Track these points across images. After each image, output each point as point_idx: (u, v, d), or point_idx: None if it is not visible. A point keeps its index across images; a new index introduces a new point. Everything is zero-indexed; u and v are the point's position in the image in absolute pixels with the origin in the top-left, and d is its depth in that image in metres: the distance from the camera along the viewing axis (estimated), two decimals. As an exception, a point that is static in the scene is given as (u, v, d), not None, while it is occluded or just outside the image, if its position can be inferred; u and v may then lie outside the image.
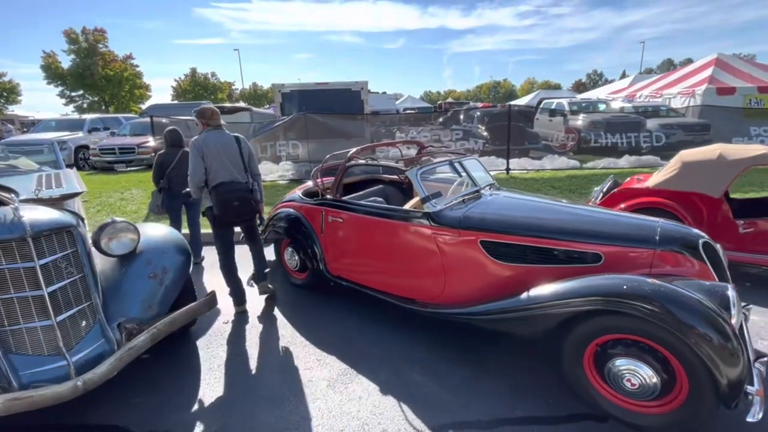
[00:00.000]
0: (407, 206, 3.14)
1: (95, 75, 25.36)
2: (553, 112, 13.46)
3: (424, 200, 2.83)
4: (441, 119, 14.17)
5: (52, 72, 25.80)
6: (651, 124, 11.72)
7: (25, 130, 20.47)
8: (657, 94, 16.24)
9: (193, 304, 2.62)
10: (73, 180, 3.01)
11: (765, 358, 2.01)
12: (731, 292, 1.96)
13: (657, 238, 2.30)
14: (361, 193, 4.12)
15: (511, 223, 2.61)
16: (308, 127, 9.02)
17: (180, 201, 4.30)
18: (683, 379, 1.90)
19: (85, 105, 27.83)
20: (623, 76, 25.16)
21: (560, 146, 11.26)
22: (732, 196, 4.49)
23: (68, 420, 2.25)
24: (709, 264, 2.23)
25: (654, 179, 4.27)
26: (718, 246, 2.58)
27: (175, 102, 20.86)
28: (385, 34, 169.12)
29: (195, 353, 2.89)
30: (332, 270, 3.48)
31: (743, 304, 2.55)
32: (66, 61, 25.62)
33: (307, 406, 2.32)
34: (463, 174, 3.28)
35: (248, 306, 3.50)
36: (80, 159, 12.11)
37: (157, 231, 2.94)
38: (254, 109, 12.55)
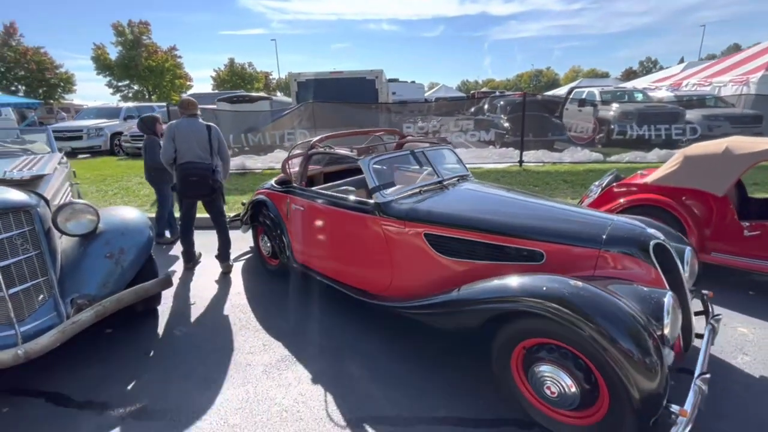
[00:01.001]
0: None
1: (139, 66, 26.92)
2: (582, 102, 12.70)
3: (373, 190, 2.76)
4: (473, 108, 13.69)
5: (101, 63, 27.66)
6: (693, 114, 10.79)
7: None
8: (706, 82, 14.89)
9: (143, 284, 2.73)
10: (47, 164, 3.20)
11: (707, 376, 1.80)
12: (668, 300, 1.76)
13: (604, 237, 2.11)
14: (339, 182, 4.10)
15: (455, 217, 2.49)
16: (317, 115, 9.05)
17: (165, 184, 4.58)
18: (604, 392, 1.75)
19: (130, 94, 29.72)
20: (681, 63, 23.16)
21: (581, 138, 10.60)
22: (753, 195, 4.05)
23: (18, 384, 2.42)
24: (658, 267, 2.02)
25: (654, 174, 3.92)
26: (683, 249, 2.35)
27: (209, 92, 21.68)
28: (423, 22, 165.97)
29: (154, 332, 3.02)
30: (297, 258, 3.50)
31: (716, 314, 2.32)
32: (114, 53, 27.42)
33: (235, 389, 2.37)
34: (428, 165, 3.15)
35: (217, 291, 3.62)
36: (115, 145, 12.91)
37: (121, 213, 3.08)
38: (274, 98, 12.77)
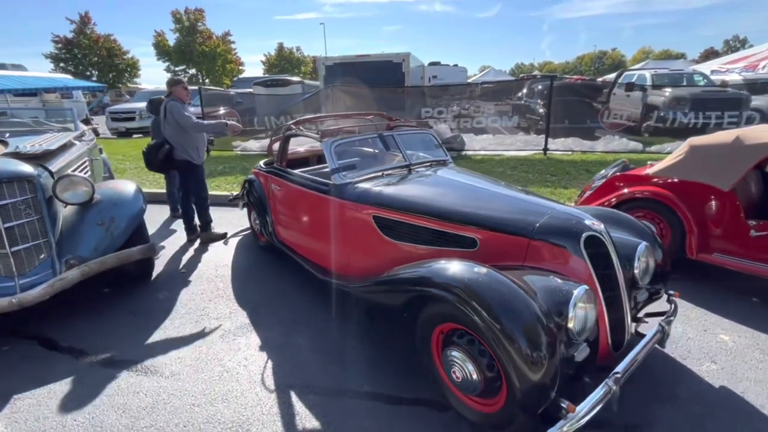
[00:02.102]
0: None
1: (193, 51, 28.58)
2: (630, 86, 11.68)
3: (332, 172, 2.83)
4: (523, 91, 12.96)
5: (161, 49, 29.72)
6: (762, 100, 9.61)
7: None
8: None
9: (126, 250, 3.04)
10: (58, 142, 3.61)
11: (617, 375, 1.71)
12: (577, 293, 1.68)
13: (536, 227, 2.03)
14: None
15: (402, 201, 2.50)
16: (338, 99, 9.15)
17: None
18: (503, 380, 1.73)
19: (185, 78, 31.74)
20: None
21: (616, 125, 9.77)
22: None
23: (19, 328, 2.83)
24: (587, 260, 1.91)
25: (658, 165, 3.62)
26: (636, 244, 2.20)
27: (255, 76, 22.43)
28: (478, 1, 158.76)
29: (142, 293, 3.36)
30: (278, 235, 3.68)
31: (668, 314, 2.17)
32: (172, 40, 29.30)
33: (192, 349, 2.60)
34: (397, 149, 3.15)
35: (207, 262, 3.92)
36: (164, 125, 13.93)
37: (116, 186, 3.42)
38: (306, 81, 13.04)
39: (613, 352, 1.93)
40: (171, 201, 5.30)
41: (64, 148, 3.70)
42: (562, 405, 1.58)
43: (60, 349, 2.63)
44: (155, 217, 5.30)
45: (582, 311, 1.72)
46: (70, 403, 2.16)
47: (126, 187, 3.46)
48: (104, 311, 3.08)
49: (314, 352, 2.55)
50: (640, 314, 2.28)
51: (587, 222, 2.01)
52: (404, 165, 3.05)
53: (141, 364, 2.46)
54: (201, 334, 2.76)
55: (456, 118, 8.79)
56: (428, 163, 3.24)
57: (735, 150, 3.11)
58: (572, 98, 10.81)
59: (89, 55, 29.71)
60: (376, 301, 2.35)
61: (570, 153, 8.50)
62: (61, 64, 28.89)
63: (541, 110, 11.07)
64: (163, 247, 4.32)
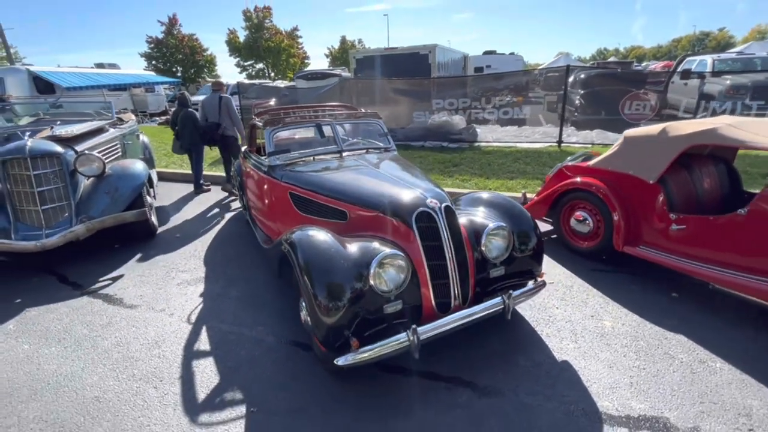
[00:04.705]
0: None
1: (260, 47, 30.88)
2: (686, 74, 10.57)
3: (269, 155, 3.36)
4: (568, 81, 12.19)
5: (233, 46, 32.55)
6: None
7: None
8: None
9: (121, 213, 3.89)
10: (91, 127, 4.60)
11: (414, 326, 2.02)
12: (379, 256, 2.03)
13: (385, 203, 2.38)
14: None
15: (306, 180, 2.96)
16: (358, 90, 9.60)
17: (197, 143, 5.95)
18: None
19: (253, 73, 34.45)
20: None
21: (638, 116, 8.95)
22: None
23: (45, 267, 3.80)
24: (416, 232, 2.21)
25: (598, 157, 3.62)
26: (485, 225, 2.43)
27: (318, 69, 23.51)
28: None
29: (140, 250, 4.21)
30: (249, 210, 4.34)
31: (515, 292, 2.38)
32: (242, 37, 31.92)
33: (153, 290, 3.34)
34: (332, 136, 3.57)
35: (202, 230, 4.72)
36: (222, 116, 15.57)
37: (125, 164, 4.31)
38: (344, 74, 13.68)
39: (438, 313, 2.22)
40: (196, 179, 6.27)
41: (95, 132, 4.69)
42: (350, 342, 1.96)
43: (67, 282, 3.54)
44: (180, 192, 6.31)
45: (391, 271, 2.07)
46: (56, 318, 2.98)
47: (133, 165, 4.34)
48: (109, 261, 3.96)
49: (238, 300, 3.14)
50: (497, 289, 2.49)
51: (427, 201, 2.30)
52: (336, 151, 3.48)
53: (113, 296, 3.25)
54: (164, 281, 3.50)
55: (467, 110, 8.79)
56: (364, 150, 3.62)
57: (660, 142, 3.07)
58: (611, 88, 10.13)
59: (175, 53, 33.46)
60: (276, 258, 2.86)
61: (590, 146, 8.10)
62: (153, 62, 32.99)
63: (576, 101, 10.55)
64: (170, 216, 5.22)
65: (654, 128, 3.19)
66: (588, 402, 2.06)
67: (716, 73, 10.00)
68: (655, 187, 3.10)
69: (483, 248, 2.38)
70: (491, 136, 8.69)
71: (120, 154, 5.14)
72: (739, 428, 1.89)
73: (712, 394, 2.09)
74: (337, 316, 1.97)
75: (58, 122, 4.87)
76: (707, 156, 3.50)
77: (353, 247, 2.14)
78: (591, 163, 3.61)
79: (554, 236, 4.00)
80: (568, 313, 2.83)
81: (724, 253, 2.75)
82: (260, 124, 3.60)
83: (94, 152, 4.14)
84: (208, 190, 6.41)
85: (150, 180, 4.81)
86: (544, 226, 4.16)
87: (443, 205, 2.31)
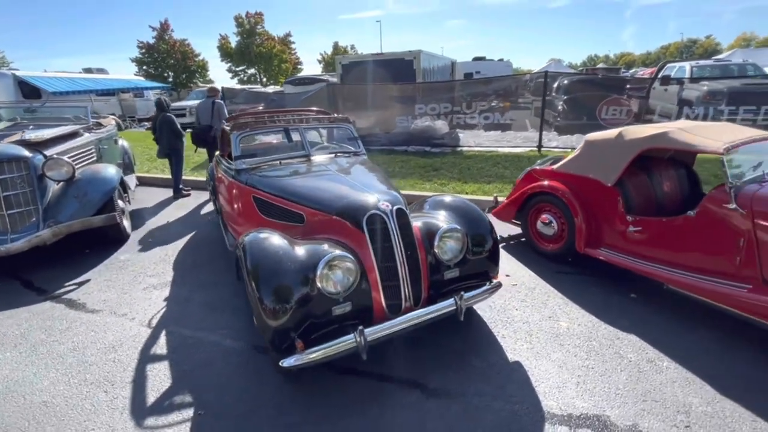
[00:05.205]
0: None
1: (252, 52, 31.01)
2: (665, 80, 10.79)
3: (235, 158, 3.38)
4: (554, 86, 12.31)
5: (225, 51, 32.65)
6: None
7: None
8: None
9: (89, 217, 3.87)
10: (63, 132, 4.58)
11: (361, 328, 2.03)
12: (326, 258, 2.05)
13: (337, 207, 2.41)
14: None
15: (268, 184, 2.98)
16: (341, 96, 9.66)
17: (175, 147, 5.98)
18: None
19: (245, 78, 34.53)
20: None
21: (615, 121, 9.05)
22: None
23: (9, 271, 3.77)
24: (366, 234, 2.24)
25: (563, 160, 3.68)
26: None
27: (305, 75, 23.55)
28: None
29: (110, 255, 4.18)
30: (221, 212, 4.34)
31: (468, 294, 2.40)
32: (234, 42, 32.03)
33: (115, 294, 3.32)
34: (300, 140, 3.60)
35: (175, 234, 4.70)
36: (210, 121, 15.57)
37: (97, 168, 4.30)
38: (331, 79, 13.75)
39: (389, 314, 2.25)
40: (175, 183, 6.26)
41: (68, 137, 4.67)
42: (296, 344, 1.98)
43: (31, 287, 3.51)
44: (159, 197, 6.30)
45: (339, 273, 2.09)
46: (15, 323, 2.96)
47: (104, 169, 4.33)
48: (76, 265, 3.94)
49: (203, 304, 3.14)
50: (452, 291, 2.51)
51: (379, 204, 2.33)
52: (304, 155, 3.51)
53: (77, 301, 3.24)
54: (131, 285, 3.49)
55: (448, 115, 8.88)
56: (332, 154, 3.65)
57: (617, 146, 3.14)
58: (592, 94, 10.29)
59: (167, 58, 33.42)
60: (234, 262, 2.87)
61: (569, 150, 8.20)
62: (144, 67, 32.91)
63: (559, 107, 10.70)
64: (147, 221, 5.20)
65: (612, 132, 3.26)
66: (534, 402, 2.09)
67: (694, 79, 10.22)
68: (614, 190, 3.16)
69: (436, 250, 2.41)
70: (473, 140, 8.77)
71: (95, 158, 5.12)
72: (676, 425, 1.92)
73: (655, 393, 2.13)
74: (282, 319, 1.98)
75: (31, 126, 4.85)
76: (668, 160, 3.58)
77: (302, 250, 2.16)
78: (555, 166, 3.67)
79: (523, 239, 4.05)
80: (527, 315, 2.87)
81: (677, 254, 2.81)
82: (228, 128, 3.62)
83: (65, 157, 4.12)
84: (188, 194, 6.40)
85: (124, 184, 4.82)
86: (513, 229, 4.22)
87: (395, 207, 2.34)
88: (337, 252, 2.11)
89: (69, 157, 4.27)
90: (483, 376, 2.28)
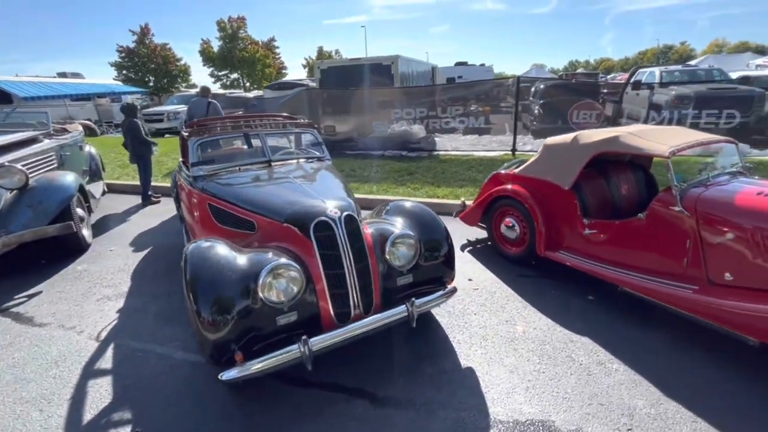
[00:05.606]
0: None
1: (234, 57, 30.71)
2: (636, 85, 11.06)
3: (192, 165, 3.30)
4: (532, 90, 12.51)
5: (207, 55, 32.29)
6: None
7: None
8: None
9: (43, 227, 3.73)
10: (18, 139, 4.44)
11: (305, 338, 1.99)
12: (268, 267, 2.01)
13: (286, 214, 2.36)
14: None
15: (223, 192, 2.91)
16: (318, 101, 9.63)
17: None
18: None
19: (228, 83, 34.20)
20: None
21: (586, 125, 9.24)
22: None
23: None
24: (313, 241, 2.21)
25: (524, 164, 3.71)
26: (390, 232, 2.44)
27: (285, 80, 23.43)
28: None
29: (68, 265, 4.04)
30: (183, 219, 4.25)
31: (420, 300, 2.38)
32: (217, 47, 31.68)
33: (67, 306, 3.21)
34: (261, 146, 3.54)
35: (138, 244, 4.58)
36: (189, 126, 15.37)
37: (53, 176, 4.16)
38: (310, 84, 13.72)
39: (338, 323, 2.21)
40: (143, 190, 6.11)
41: (24, 144, 4.52)
42: (235, 356, 1.92)
43: (-21, 301, 3.36)
44: (128, 204, 6.15)
45: (282, 282, 2.04)
46: (-43, 338, 2.83)
47: (61, 177, 4.20)
48: (29, 276, 3.79)
49: (157, 316, 3.05)
50: (406, 296, 2.48)
51: (327, 210, 2.30)
52: (265, 161, 3.45)
53: (24, 315, 3.11)
54: (84, 297, 3.37)
55: (424, 119, 8.93)
56: (295, 160, 3.61)
57: (572, 150, 3.17)
58: (567, 98, 10.50)
59: (147, 63, 32.89)
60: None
61: (543, 154, 8.32)
62: (123, 72, 32.30)
63: (535, 111, 10.89)
64: (110, 229, 5.06)
65: (568, 137, 3.30)
66: (481, 408, 2.07)
67: (664, 84, 10.50)
68: (570, 193, 3.20)
69: (388, 256, 2.39)
70: (450, 144, 8.83)
71: (55, 165, 4.95)
72: (619, 429, 1.93)
73: (602, 396, 2.13)
74: (223, 332, 1.92)
75: (-15, 133, 4.68)
76: (627, 163, 3.64)
77: (245, 259, 2.11)
78: (517, 170, 3.70)
79: (489, 243, 4.06)
80: (485, 319, 2.86)
81: (630, 256, 2.85)
82: (186, 134, 3.54)
83: (18, 164, 3.98)
84: (158, 201, 6.26)
85: (84, 192, 4.68)
86: (480, 233, 4.24)
87: (344, 214, 2.31)
88: (282, 260, 2.07)
89: (24, 165, 4.13)
90: (434, 384, 2.26)
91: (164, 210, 5.89)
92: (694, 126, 8.52)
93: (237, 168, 3.35)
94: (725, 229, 2.38)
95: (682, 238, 2.55)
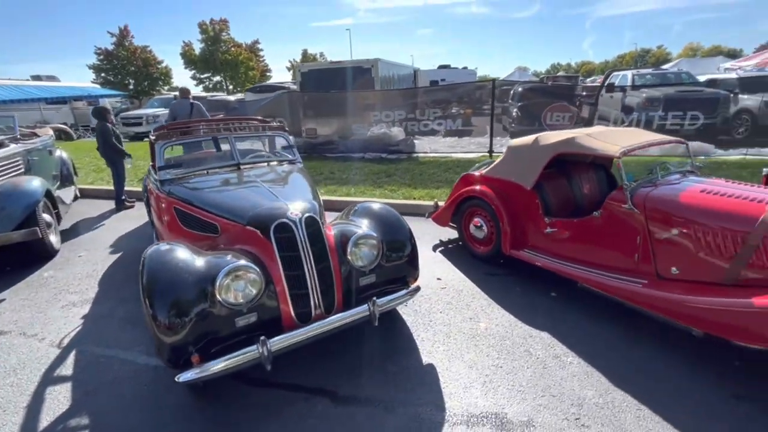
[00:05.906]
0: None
1: (216, 60, 30.41)
2: (610, 88, 11.39)
3: (159, 169, 3.29)
4: (511, 92, 12.78)
5: (188, 58, 31.88)
6: (753, 101, 9.27)
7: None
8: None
9: (5, 234, 3.66)
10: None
11: (263, 338, 2.02)
12: (225, 269, 2.02)
13: (247, 217, 2.39)
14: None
15: (188, 196, 2.92)
16: (299, 104, 9.64)
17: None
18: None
19: (210, 86, 33.83)
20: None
21: (557, 126, 9.47)
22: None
23: None
24: (273, 243, 2.24)
25: (490, 166, 3.80)
26: (353, 232, 2.48)
27: (266, 83, 23.29)
28: (516, 2, 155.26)
29: (34, 272, 3.97)
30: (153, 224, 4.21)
31: (382, 299, 2.42)
32: (198, 49, 31.32)
33: (30, 314, 3.15)
34: (230, 149, 3.54)
35: (108, 250, 4.51)
36: (169, 130, 15.15)
37: (17, 182, 4.09)
38: (293, 87, 13.70)
39: (299, 323, 2.24)
40: (117, 194, 6.03)
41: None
42: (192, 358, 1.93)
43: (-63, 310, 3.28)
44: (102, 209, 6.05)
45: (241, 284, 2.07)
46: None
47: (26, 182, 4.12)
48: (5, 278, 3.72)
49: (123, 321, 3.03)
50: (369, 296, 2.52)
51: (288, 212, 2.33)
52: (234, 164, 3.46)
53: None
54: (49, 303, 3.32)
55: (402, 122, 9.02)
56: (265, 163, 3.62)
57: (533, 151, 3.27)
58: (542, 101, 10.74)
59: (127, 65, 32.29)
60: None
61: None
62: (102, 74, 31.63)
63: (514, 113, 11.10)
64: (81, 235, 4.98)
65: (529, 138, 3.40)
66: (438, 403, 2.13)
67: (636, 87, 10.84)
68: (532, 193, 3.29)
69: (350, 257, 2.43)
70: (429, 146, 8.94)
71: (22, 170, 4.85)
72: (567, 418, 2.00)
73: (555, 388, 2.21)
74: (180, 334, 1.93)
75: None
76: (589, 163, 3.77)
77: (203, 261, 2.12)
78: (484, 171, 3.79)
79: (460, 243, 4.14)
80: (449, 317, 2.93)
81: (587, 253, 2.95)
82: (153, 138, 3.53)
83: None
84: (131, 206, 6.17)
85: (52, 197, 4.60)
86: (453, 234, 4.31)
87: (305, 216, 2.35)
88: (241, 262, 2.09)
89: (-13, 170, 4.05)
90: (395, 381, 2.31)
91: (138, 215, 5.81)
92: (661, 127, 8.84)
93: (205, 171, 3.35)
94: (671, 226, 2.50)
95: (633, 235, 2.66)
